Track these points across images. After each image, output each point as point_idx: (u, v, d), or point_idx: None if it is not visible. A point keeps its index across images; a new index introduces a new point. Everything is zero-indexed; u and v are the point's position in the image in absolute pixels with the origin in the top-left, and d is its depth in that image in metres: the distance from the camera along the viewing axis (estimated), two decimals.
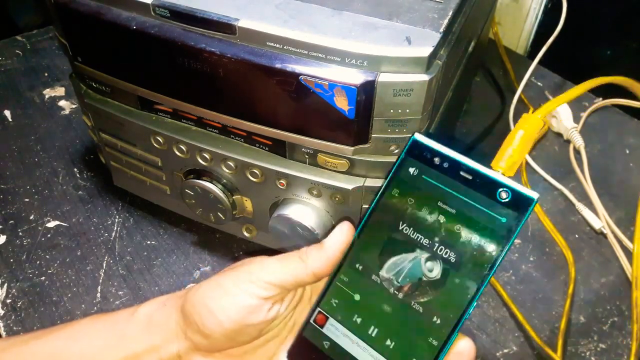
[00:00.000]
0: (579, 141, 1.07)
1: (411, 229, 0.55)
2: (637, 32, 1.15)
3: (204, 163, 0.75)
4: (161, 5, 0.63)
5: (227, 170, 0.75)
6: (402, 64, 0.58)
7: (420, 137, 0.56)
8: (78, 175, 1.01)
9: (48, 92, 1.18)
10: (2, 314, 0.82)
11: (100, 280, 0.87)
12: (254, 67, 0.61)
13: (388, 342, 0.56)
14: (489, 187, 0.53)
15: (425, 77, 0.59)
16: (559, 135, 1.12)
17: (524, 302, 0.86)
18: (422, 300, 0.54)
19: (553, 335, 0.82)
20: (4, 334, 0.80)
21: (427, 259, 0.54)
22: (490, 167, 0.57)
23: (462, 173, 0.54)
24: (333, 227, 0.74)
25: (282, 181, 0.72)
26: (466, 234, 0.53)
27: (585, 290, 0.89)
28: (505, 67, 1.25)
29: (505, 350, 0.81)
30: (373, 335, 0.56)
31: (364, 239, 0.58)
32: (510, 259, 0.91)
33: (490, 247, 0.52)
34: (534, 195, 0.51)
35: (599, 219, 0.97)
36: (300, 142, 0.68)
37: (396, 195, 0.56)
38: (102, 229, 0.93)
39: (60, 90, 1.18)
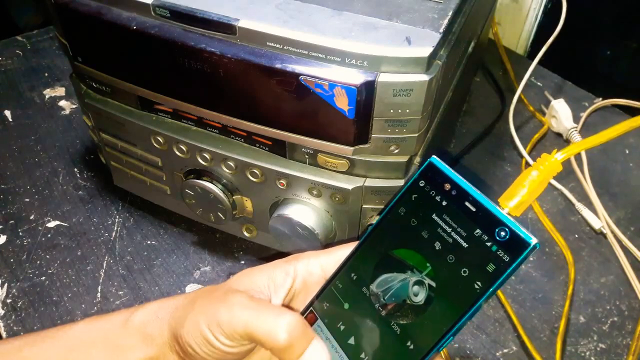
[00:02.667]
0: (578, 141, 1.07)
1: (407, 249, 0.55)
2: (636, 32, 1.15)
3: (204, 163, 0.75)
4: (161, 6, 0.63)
5: (227, 170, 0.75)
6: (402, 64, 0.58)
7: (437, 162, 0.55)
8: (78, 175, 1.01)
9: (48, 92, 1.18)
10: (2, 314, 0.82)
11: (101, 280, 0.87)
12: (254, 67, 0.61)
13: (362, 355, 0.55)
14: (491, 222, 0.51)
15: (425, 77, 0.59)
16: (559, 135, 1.13)
17: (523, 301, 0.86)
18: (401, 322, 0.54)
19: (553, 335, 0.82)
20: (4, 334, 0.80)
21: (415, 283, 0.53)
22: (497, 202, 0.56)
23: (467, 203, 0.52)
24: (333, 227, 0.74)
25: (282, 181, 0.72)
26: (457, 266, 0.52)
27: (585, 290, 0.89)
28: (505, 67, 1.25)
29: (505, 350, 0.81)
30: (351, 345, 0.56)
31: (365, 250, 0.58)
32: None
33: (478, 284, 0.50)
34: (534, 240, 0.48)
35: (599, 219, 0.97)
36: (300, 142, 0.68)
37: (401, 213, 0.56)
38: (102, 229, 0.93)
39: (60, 90, 1.18)
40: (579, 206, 0.99)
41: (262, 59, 0.61)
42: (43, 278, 0.87)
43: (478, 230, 0.51)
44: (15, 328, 0.81)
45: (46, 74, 1.22)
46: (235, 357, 0.57)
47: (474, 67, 1.20)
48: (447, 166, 0.55)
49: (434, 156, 0.55)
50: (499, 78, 1.24)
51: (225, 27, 0.61)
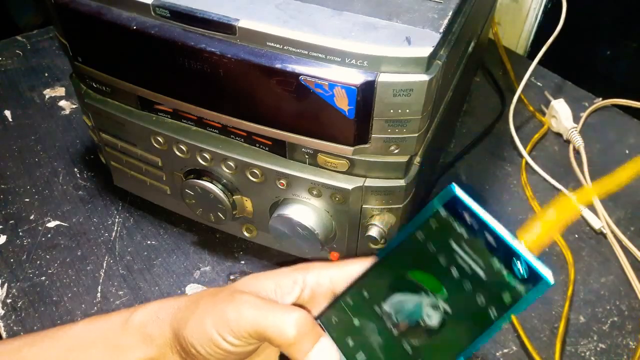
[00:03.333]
0: (578, 141, 1.07)
1: (423, 272, 0.56)
2: (636, 32, 1.15)
3: (204, 163, 0.75)
4: (161, 6, 0.63)
5: (227, 170, 0.75)
6: (402, 64, 0.58)
7: (458, 192, 0.54)
8: (78, 175, 1.01)
9: (48, 92, 1.18)
10: (2, 314, 0.82)
11: (101, 280, 0.87)
12: (254, 67, 0.61)
13: None
14: (508, 255, 0.51)
15: (425, 77, 0.59)
16: (559, 135, 1.13)
17: None
18: (413, 343, 0.54)
19: (553, 335, 0.82)
20: (4, 334, 0.80)
21: (430, 306, 0.54)
22: (516, 235, 0.54)
23: (486, 234, 0.52)
24: (333, 227, 0.74)
25: (282, 181, 0.72)
26: (473, 293, 0.53)
27: (585, 290, 0.89)
28: (505, 67, 1.25)
29: (505, 350, 0.81)
30: None
31: (380, 269, 0.58)
32: None
33: (493, 312, 0.51)
34: (550, 279, 0.48)
35: (599, 219, 0.97)
36: (300, 142, 0.68)
37: (420, 238, 0.56)
38: (102, 229, 0.93)
39: (60, 90, 1.18)
40: (579, 206, 0.99)
41: (262, 59, 0.61)
42: (43, 278, 0.87)
43: (496, 262, 0.52)
44: (15, 328, 0.81)
45: (46, 74, 1.22)
46: (238, 357, 0.57)
47: (474, 67, 1.20)
48: (467, 196, 0.55)
49: (455, 185, 0.55)
50: (499, 78, 1.24)
51: (225, 27, 0.61)
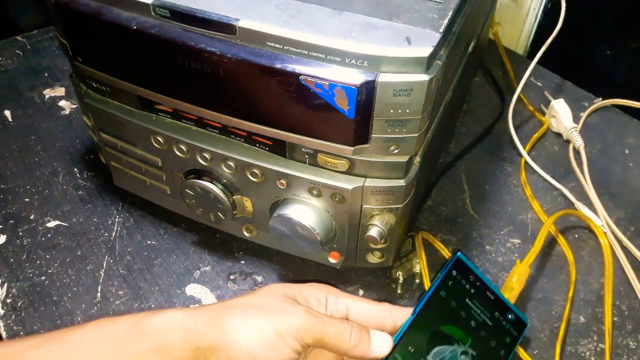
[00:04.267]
0: (578, 141, 1.07)
1: (452, 325, 0.71)
2: (636, 32, 1.15)
3: (204, 163, 0.76)
4: (161, 6, 0.63)
5: (227, 170, 0.75)
6: (402, 64, 0.58)
7: (463, 257, 0.75)
8: (78, 175, 1.01)
9: (48, 92, 1.18)
10: (2, 314, 0.82)
11: (101, 280, 0.87)
12: (254, 67, 0.61)
13: None
14: (503, 307, 0.74)
15: (425, 77, 0.59)
16: (559, 135, 1.13)
17: (524, 302, 0.86)
18: None
19: (553, 335, 0.83)
20: (4, 333, 0.80)
21: (462, 353, 0.69)
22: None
23: (487, 293, 0.74)
24: (333, 227, 0.74)
25: (282, 181, 0.72)
26: (488, 339, 0.71)
27: (585, 291, 0.89)
28: (505, 67, 1.25)
29: None
30: None
31: (418, 326, 0.69)
32: (510, 259, 0.92)
33: (502, 353, 0.71)
34: (526, 321, 0.74)
35: (599, 219, 0.97)
36: (300, 142, 0.68)
37: (443, 295, 0.72)
38: (102, 229, 0.93)
39: (60, 90, 1.18)
40: (579, 205, 0.99)
41: (262, 59, 0.61)
42: (43, 278, 0.87)
43: (497, 313, 0.73)
44: (15, 328, 0.81)
45: (46, 74, 1.22)
46: None
47: (474, 67, 1.20)
48: (470, 262, 0.75)
49: (460, 252, 0.75)
50: (499, 78, 1.24)
51: (225, 27, 0.61)
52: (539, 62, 1.10)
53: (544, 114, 1.15)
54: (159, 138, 0.77)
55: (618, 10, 1.16)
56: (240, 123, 0.69)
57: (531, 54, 1.12)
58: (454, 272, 0.74)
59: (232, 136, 0.73)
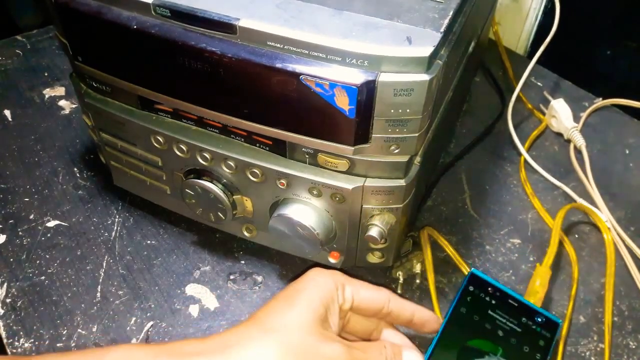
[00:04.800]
0: (579, 141, 1.07)
1: (479, 339, 0.74)
2: (636, 32, 1.15)
3: (204, 163, 0.76)
4: (162, 5, 0.63)
5: (227, 170, 0.75)
6: (402, 64, 0.58)
7: (478, 273, 0.80)
8: (78, 175, 1.01)
9: (48, 92, 1.18)
10: (1, 314, 0.82)
11: (100, 280, 0.87)
12: (254, 66, 0.61)
13: None
14: (529, 312, 0.77)
15: (425, 77, 0.59)
16: (559, 135, 1.13)
17: None
18: None
19: None
20: (3, 333, 0.80)
21: None
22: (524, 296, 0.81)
23: (510, 300, 0.78)
24: (333, 226, 0.74)
25: (283, 181, 0.72)
26: (519, 345, 0.74)
27: (585, 290, 0.89)
28: (505, 67, 1.25)
29: None
30: None
31: (443, 345, 0.74)
32: (510, 259, 0.92)
33: (537, 356, 0.74)
34: (558, 321, 0.77)
35: (603, 216, 0.96)
36: (300, 141, 0.68)
37: (463, 312, 0.77)
38: (102, 229, 0.93)
39: (60, 90, 1.18)
40: (582, 203, 0.99)
41: (263, 59, 0.61)
42: (43, 278, 0.87)
43: (524, 319, 0.77)
44: (14, 328, 0.81)
45: (46, 74, 1.22)
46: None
47: (475, 67, 1.20)
48: (486, 275, 0.80)
49: (474, 268, 0.81)
50: (499, 78, 1.24)
51: (225, 27, 0.61)
52: (539, 62, 1.10)
53: (544, 113, 1.15)
54: (159, 138, 0.77)
55: (618, 10, 1.16)
56: (240, 123, 0.69)
57: (531, 54, 1.12)
58: (471, 288, 0.79)
59: (232, 136, 0.73)
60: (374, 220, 0.74)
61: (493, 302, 0.78)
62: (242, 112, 0.68)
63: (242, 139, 0.72)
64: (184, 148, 0.75)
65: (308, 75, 0.59)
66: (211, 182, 0.76)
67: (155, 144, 0.78)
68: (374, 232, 0.74)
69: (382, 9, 0.62)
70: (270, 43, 0.60)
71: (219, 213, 0.79)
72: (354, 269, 0.86)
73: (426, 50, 0.58)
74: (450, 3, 0.65)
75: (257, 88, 0.64)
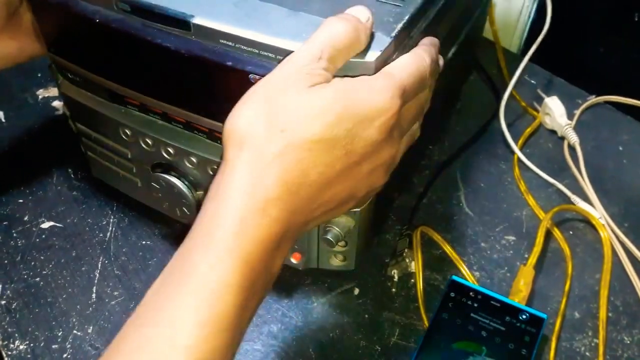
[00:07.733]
0: (573, 138, 1.06)
1: (463, 341, 0.77)
2: (627, 29, 1.14)
3: (168, 157, 0.76)
4: (123, 0, 0.64)
5: (190, 166, 0.75)
6: (349, 69, 0.58)
7: (458, 279, 0.83)
8: (72, 175, 1.02)
9: (41, 93, 1.18)
10: None
11: (96, 281, 0.88)
12: (206, 63, 0.62)
13: None
14: (513, 310, 0.80)
15: None
16: (553, 132, 1.12)
17: None
18: None
19: (548, 331, 0.82)
20: None
21: None
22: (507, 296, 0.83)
23: (492, 302, 0.81)
24: None
25: None
26: (504, 343, 0.77)
27: (580, 287, 0.88)
28: (499, 66, 1.24)
29: None
30: None
31: (430, 350, 0.77)
32: (505, 256, 0.92)
33: (524, 351, 0.76)
34: (544, 315, 0.80)
35: (597, 213, 0.96)
36: None
37: (446, 317, 0.79)
38: (97, 230, 0.94)
39: (53, 91, 1.18)
40: (576, 200, 0.98)
41: (214, 56, 0.61)
42: (37, 279, 0.88)
43: (507, 317, 0.79)
44: (9, 330, 0.83)
45: (39, 75, 1.22)
46: None
47: (466, 68, 1.20)
48: (466, 281, 0.84)
49: (454, 276, 0.84)
50: (493, 76, 1.23)
51: (180, 23, 0.62)
52: (532, 60, 1.10)
53: (537, 111, 1.15)
54: (126, 130, 0.78)
55: (610, 7, 1.16)
56: (200, 119, 0.70)
57: (525, 52, 1.11)
58: (452, 294, 0.82)
59: (195, 132, 0.73)
60: (332, 224, 0.74)
61: (475, 305, 0.80)
62: (200, 108, 0.69)
63: (205, 135, 0.73)
64: (149, 142, 0.76)
65: (257, 74, 0.60)
66: (176, 177, 0.77)
67: (124, 137, 0.79)
68: (330, 235, 0.73)
69: (338, 11, 0.60)
70: (223, 41, 0.61)
71: (184, 208, 0.79)
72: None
73: (372, 55, 0.58)
74: (409, 7, 0.64)
75: (210, 85, 0.65)
